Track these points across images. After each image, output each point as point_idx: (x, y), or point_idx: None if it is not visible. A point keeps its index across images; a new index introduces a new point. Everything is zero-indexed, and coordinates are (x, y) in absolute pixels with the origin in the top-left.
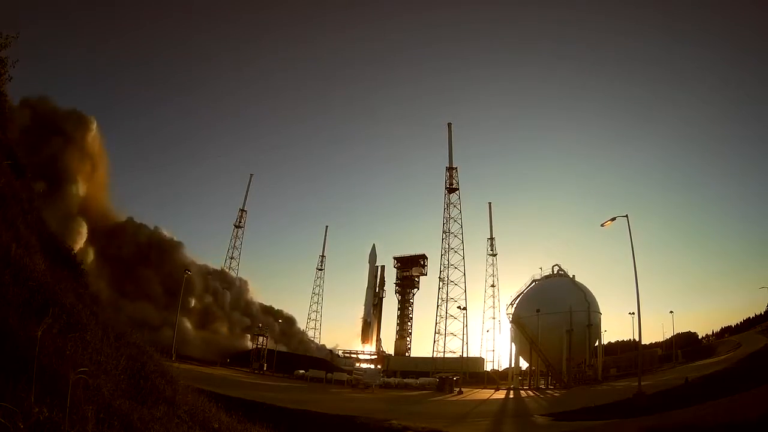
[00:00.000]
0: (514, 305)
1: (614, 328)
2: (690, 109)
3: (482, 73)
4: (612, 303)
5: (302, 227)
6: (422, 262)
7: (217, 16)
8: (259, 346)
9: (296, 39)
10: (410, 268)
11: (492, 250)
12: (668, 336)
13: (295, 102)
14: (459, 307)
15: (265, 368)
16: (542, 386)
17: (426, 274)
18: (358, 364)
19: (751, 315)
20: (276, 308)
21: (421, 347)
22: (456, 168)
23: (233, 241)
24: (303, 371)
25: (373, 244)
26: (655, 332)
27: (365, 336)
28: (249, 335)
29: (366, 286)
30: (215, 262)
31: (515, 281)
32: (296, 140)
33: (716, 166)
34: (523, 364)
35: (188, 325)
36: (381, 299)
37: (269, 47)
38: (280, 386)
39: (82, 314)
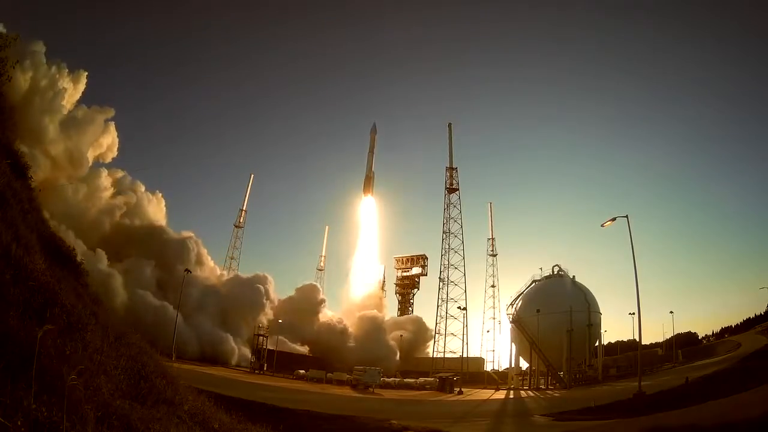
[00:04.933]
0: (515, 305)
1: (614, 328)
2: (690, 109)
3: (482, 73)
4: (612, 303)
5: (302, 227)
6: (422, 263)
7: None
8: (258, 347)
9: (297, 38)
10: (410, 268)
11: (492, 250)
12: (668, 336)
13: (295, 101)
14: (459, 308)
15: (264, 368)
16: (542, 386)
17: (426, 275)
18: None
19: (751, 315)
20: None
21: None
22: (456, 168)
23: (233, 241)
24: (303, 371)
25: (374, 122)
26: (655, 332)
27: (367, 188)
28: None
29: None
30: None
31: (515, 281)
32: (296, 140)
33: (716, 166)
34: (524, 365)
35: None
36: (381, 299)
37: (269, 46)
38: (280, 386)
39: (82, 314)
